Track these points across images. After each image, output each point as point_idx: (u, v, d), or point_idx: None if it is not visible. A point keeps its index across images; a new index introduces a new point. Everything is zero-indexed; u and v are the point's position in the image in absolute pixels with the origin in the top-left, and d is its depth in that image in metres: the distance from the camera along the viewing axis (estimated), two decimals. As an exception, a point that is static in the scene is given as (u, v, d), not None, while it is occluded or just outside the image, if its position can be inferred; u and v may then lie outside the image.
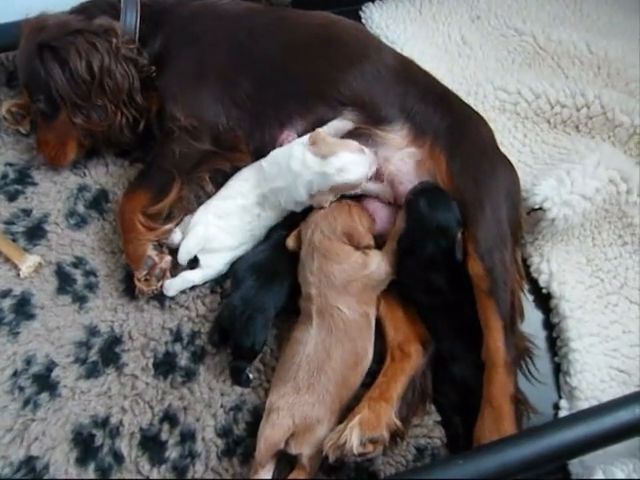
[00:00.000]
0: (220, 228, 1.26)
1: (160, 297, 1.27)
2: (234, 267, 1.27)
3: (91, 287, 1.30)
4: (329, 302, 1.12)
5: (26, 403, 1.15)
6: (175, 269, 1.29)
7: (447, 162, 1.22)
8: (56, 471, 1.09)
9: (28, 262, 1.30)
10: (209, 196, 1.33)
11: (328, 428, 1.04)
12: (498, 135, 1.35)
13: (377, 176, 1.25)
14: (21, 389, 1.17)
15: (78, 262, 1.33)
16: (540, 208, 1.29)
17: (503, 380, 1.07)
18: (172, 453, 1.11)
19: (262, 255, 1.26)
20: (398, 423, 1.06)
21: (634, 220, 1.34)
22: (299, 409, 1.04)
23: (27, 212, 1.39)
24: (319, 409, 1.05)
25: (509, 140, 1.51)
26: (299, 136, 1.28)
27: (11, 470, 1.08)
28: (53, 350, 1.21)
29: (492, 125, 1.34)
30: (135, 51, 1.33)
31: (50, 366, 1.19)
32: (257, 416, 1.13)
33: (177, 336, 1.23)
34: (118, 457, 1.10)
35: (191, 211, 1.32)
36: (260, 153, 1.30)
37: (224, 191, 1.31)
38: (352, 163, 1.19)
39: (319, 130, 1.24)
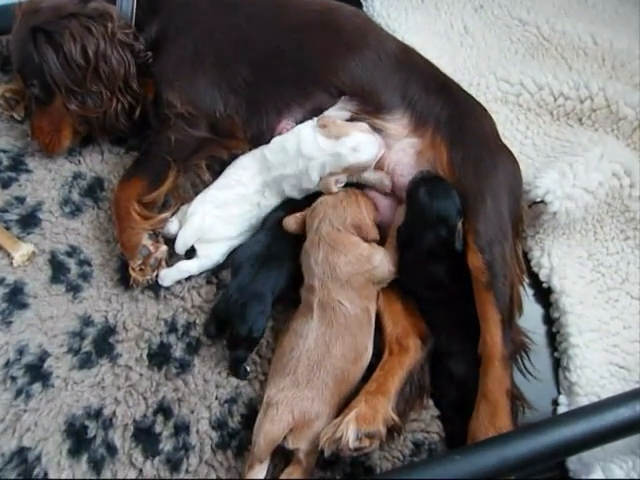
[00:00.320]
0: (218, 218, 1.25)
1: (155, 287, 1.26)
2: (232, 256, 1.26)
3: (85, 276, 1.28)
4: (331, 295, 1.11)
5: (18, 393, 1.14)
6: (171, 259, 1.28)
7: (448, 152, 1.20)
8: (48, 462, 1.08)
9: (21, 251, 1.28)
10: (206, 184, 1.31)
11: (326, 423, 1.03)
12: (500, 127, 1.33)
13: (377, 165, 1.24)
14: (13, 379, 1.15)
15: (72, 251, 1.32)
16: (542, 201, 1.27)
17: (499, 374, 1.06)
18: (166, 445, 1.10)
19: (261, 243, 1.24)
20: (395, 418, 1.05)
21: (637, 214, 1.33)
22: (298, 404, 1.03)
23: (21, 200, 1.38)
24: (318, 404, 1.04)
25: (511, 132, 1.49)
26: (297, 124, 1.26)
27: (2, 461, 1.07)
28: (46, 340, 1.20)
29: (494, 116, 1.33)
30: (131, 36, 1.31)
31: (43, 356, 1.18)
32: (252, 409, 1.12)
33: (172, 327, 1.22)
34: (111, 449, 1.09)
35: (188, 200, 1.31)
36: (257, 141, 1.29)
37: (222, 180, 1.29)
38: (365, 143, 1.20)
39: (331, 111, 1.23)
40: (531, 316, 1.24)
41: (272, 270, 1.19)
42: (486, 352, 1.08)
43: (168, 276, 1.25)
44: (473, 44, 1.67)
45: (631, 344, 1.21)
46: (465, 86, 1.40)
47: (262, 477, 1.02)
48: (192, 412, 1.13)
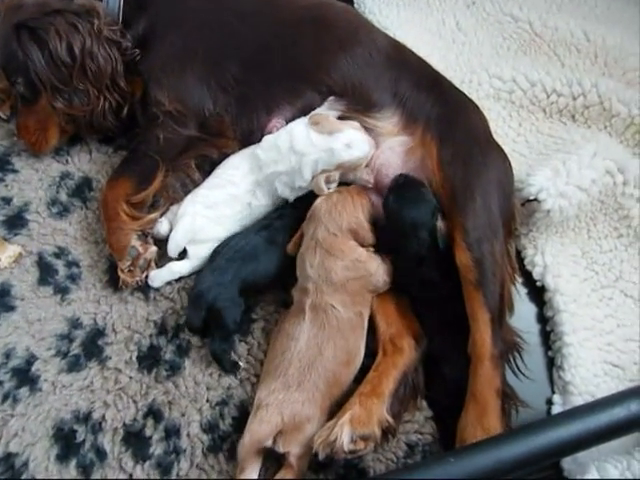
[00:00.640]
0: (209, 218, 1.24)
1: (144, 289, 1.25)
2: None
3: (73, 278, 1.27)
4: (324, 299, 1.10)
5: (5, 398, 1.12)
6: (160, 260, 1.27)
7: (438, 150, 1.19)
8: (36, 468, 1.06)
9: (8, 252, 1.27)
10: (196, 184, 1.30)
11: (317, 427, 1.02)
12: (492, 124, 1.33)
13: (366, 164, 1.22)
14: (0, 383, 1.13)
15: (60, 252, 1.30)
16: (535, 199, 1.26)
17: (488, 374, 1.05)
18: (156, 449, 1.09)
19: (247, 240, 1.23)
20: (390, 419, 1.04)
21: (630, 212, 1.32)
22: (288, 407, 1.02)
23: (7, 200, 1.36)
24: (309, 407, 1.02)
25: (504, 129, 1.48)
26: (287, 122, 1.25)
27: (-11, 467, 1.05)
28: (34, 343, 1.18)
29: (486, 114, 1.32)
30: (118, 33, 1.29)
31: (30, 359, 1.17)
32: (244, 411, 1.11)
33: (162, 329, 1.21)
34: (100, 453, 1.08)
35: (177, 200, 1.29)
36: (247, 140, 1.28)
37: (212, 180, 1.28)
38: (357, 140, 1.19)
39: (319, 110, 1.22)
40: (524, 315, 1.23)
41: (248, 264, 1.18)
42: (475, 351, 1.07)
43: (158, 277, 1.24)
44: (465, 41, 1.66)
45: (625, 342, 1.20)
46: (457, 83, 1.39)
47: (253, 480, 1.01)
48: (183, 415, 1.11)
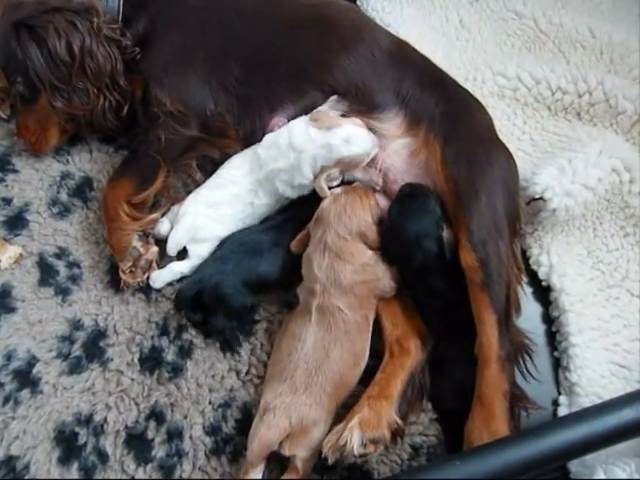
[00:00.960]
0: (210, 217, 1.23)
1: (146, 289, 1.24)
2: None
3: (74, 279, 1.26)
4: (332, 301, 1.09)
5: (6, 400, 1.12)
6: (162, 260, 1.26)
7: (442, 150, 1.18)
8: (37, 471, 1.05)
9: (8, 253, 1.26)
10: (197, 184, 1.29)
11: (324, 430, 1.01)
12: (497, 122, 1.31)
13: (371, 164, 1.21)
14: (1, 386, 1.13)
15: (61, 253, 1.29)
16: (540, 198, 1.25)
17: (495, 377, 1.03)
18: (158, 452, 1.08)
19: (253, 235, 1.23)
20: (399, 421, 1.03)
21: (637, 211, 1.31)
22: (296, 410, 1.00)
23: (7, 201, 1.35)
24: (316, 410, 1.02)
25: (508, 127, 1.46)
26: (289, 122, 1.23)
27: (-10, 470, 1.05)
28: (35, 345, 1.18)
29: (491, 112, 1.30)
30: (118, 32, 1.27)
31: (31, 361, 1.16)
32: (247, 413, 1.10)
33: (163, 330, 1.20)
34: (102, 456, 1.07)
35: (179, 200, 1.28)
36: (249, 139, 1.27)
37: (214, 180, 1.27)
38: (357, 136, 1.17)
39: (320, 108, 1.21)
40: (530, 315, 1.22)
41: (251, 259, 1.18)
42: (482, 354, 1.05)
43: (160, 278, 1.23)
44: (469, 38, 1.64)
45: (632, 343, 1.19)
46: (461, 81, 1.37)
47: (257, 483, 1.00)
48: (185, 417, 1.11)
